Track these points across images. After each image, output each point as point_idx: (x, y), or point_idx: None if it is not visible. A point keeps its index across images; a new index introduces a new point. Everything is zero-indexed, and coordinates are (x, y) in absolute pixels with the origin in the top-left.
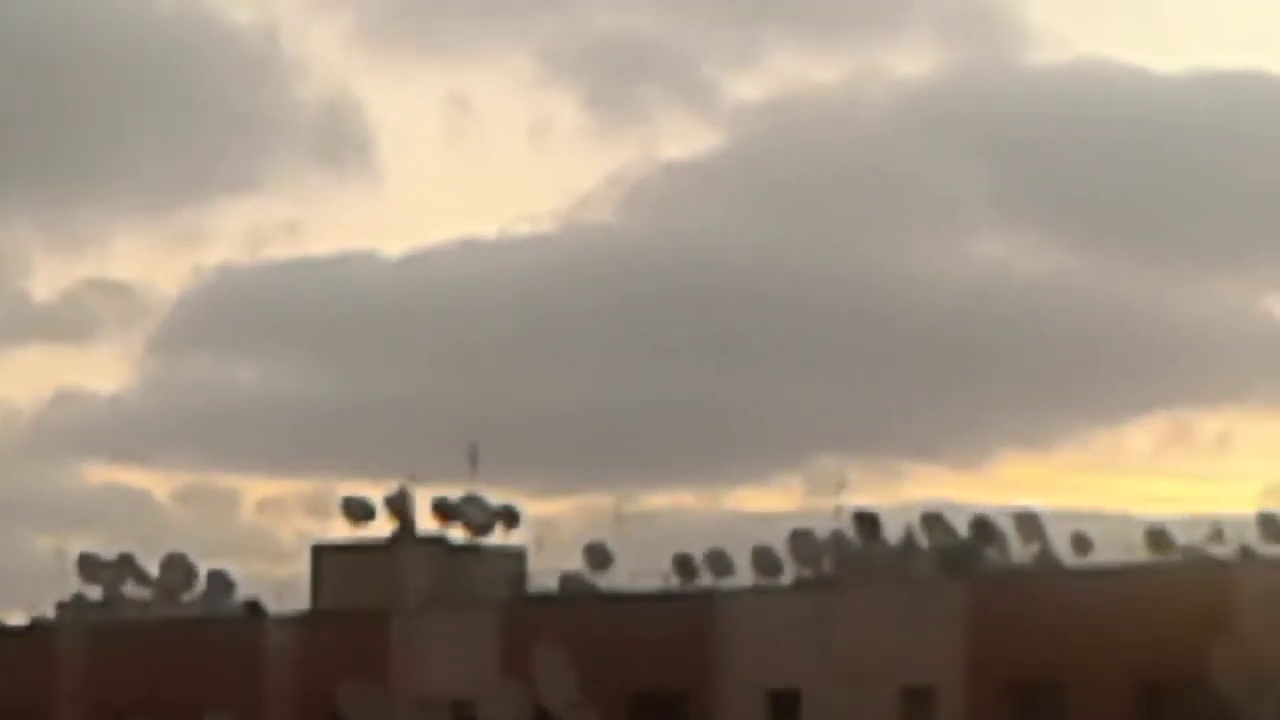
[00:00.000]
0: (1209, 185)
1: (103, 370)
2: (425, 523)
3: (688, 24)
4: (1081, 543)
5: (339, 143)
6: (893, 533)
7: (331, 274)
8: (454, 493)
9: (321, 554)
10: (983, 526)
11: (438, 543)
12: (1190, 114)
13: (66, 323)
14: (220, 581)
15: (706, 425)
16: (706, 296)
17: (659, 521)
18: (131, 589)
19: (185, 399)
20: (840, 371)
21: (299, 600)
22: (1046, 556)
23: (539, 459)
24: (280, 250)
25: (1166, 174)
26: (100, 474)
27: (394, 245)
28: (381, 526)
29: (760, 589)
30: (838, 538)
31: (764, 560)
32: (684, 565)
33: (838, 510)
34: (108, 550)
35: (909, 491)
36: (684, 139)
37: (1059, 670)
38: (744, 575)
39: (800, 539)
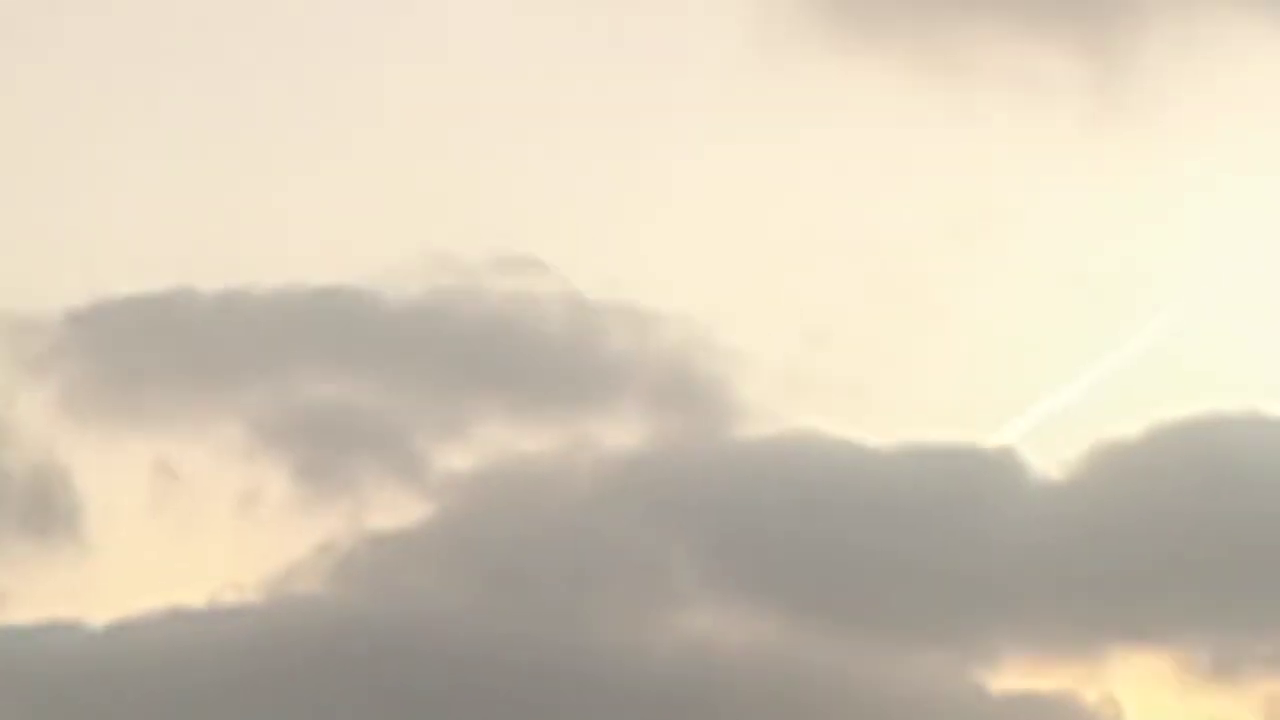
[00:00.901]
0: (918, 557)
1: None
2: None
3: (397, 395)
4: None
5: (45, 511)
6: None
7: (36, 642)
8: None
9: None
10: None
11: None
12: (900, 486)
13: None
14: None
15: None
16: (415, 664)
17: None
18: None
19: None
20: None
21: None
22: None
23: None
24: None
25: (876, 545)
26: None
27: (100, 614)
28: None
29: None
30: None
31: None
32: None
33: None
34: None
35: None
36: (393, 509)
37: None
38: None
39: None
